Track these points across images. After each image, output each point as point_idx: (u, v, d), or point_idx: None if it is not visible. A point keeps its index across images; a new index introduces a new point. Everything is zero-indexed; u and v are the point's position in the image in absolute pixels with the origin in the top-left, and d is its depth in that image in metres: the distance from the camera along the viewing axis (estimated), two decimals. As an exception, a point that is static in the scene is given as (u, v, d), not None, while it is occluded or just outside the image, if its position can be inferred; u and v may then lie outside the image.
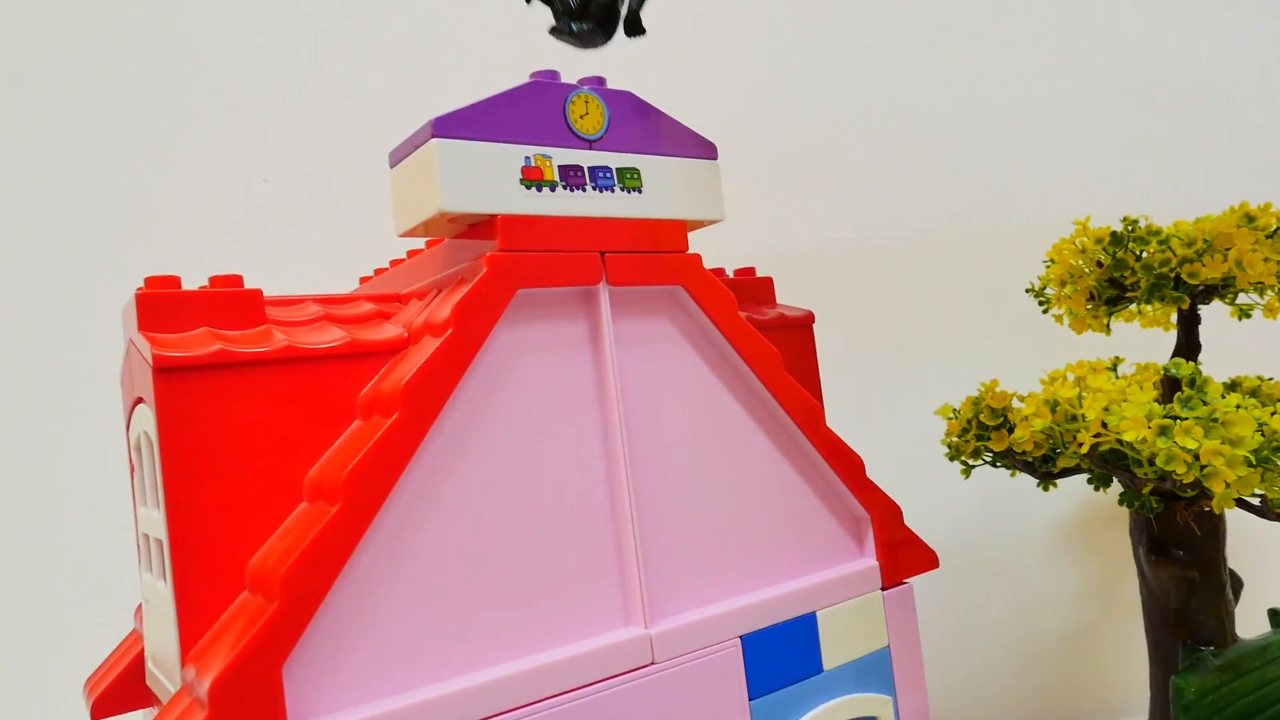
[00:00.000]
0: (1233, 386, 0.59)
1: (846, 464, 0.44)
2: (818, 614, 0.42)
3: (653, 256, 0.38)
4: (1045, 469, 0.53)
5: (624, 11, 0.38)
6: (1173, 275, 0.50)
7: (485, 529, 0.33)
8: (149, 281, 0.33)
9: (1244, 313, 0.59)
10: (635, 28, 0.38)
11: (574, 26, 0.37)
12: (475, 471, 0.33)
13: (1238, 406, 0.40)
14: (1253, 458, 0.40)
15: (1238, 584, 0.55)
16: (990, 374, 0.57)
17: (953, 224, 0.77)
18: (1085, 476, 0.54)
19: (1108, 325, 0.59)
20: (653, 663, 0.36)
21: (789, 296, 0.52)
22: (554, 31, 0.38)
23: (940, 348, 0.75)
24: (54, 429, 0.62)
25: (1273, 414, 0.42)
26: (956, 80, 0.79)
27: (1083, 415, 0.44)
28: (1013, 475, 0.60)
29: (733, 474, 0.40)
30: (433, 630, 0.32)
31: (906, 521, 0.46)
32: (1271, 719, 0.53)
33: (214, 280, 0.35)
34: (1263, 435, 0.40)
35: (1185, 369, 0.41)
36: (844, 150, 0.77)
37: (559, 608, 0.35)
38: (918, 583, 0.46)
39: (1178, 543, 0.52)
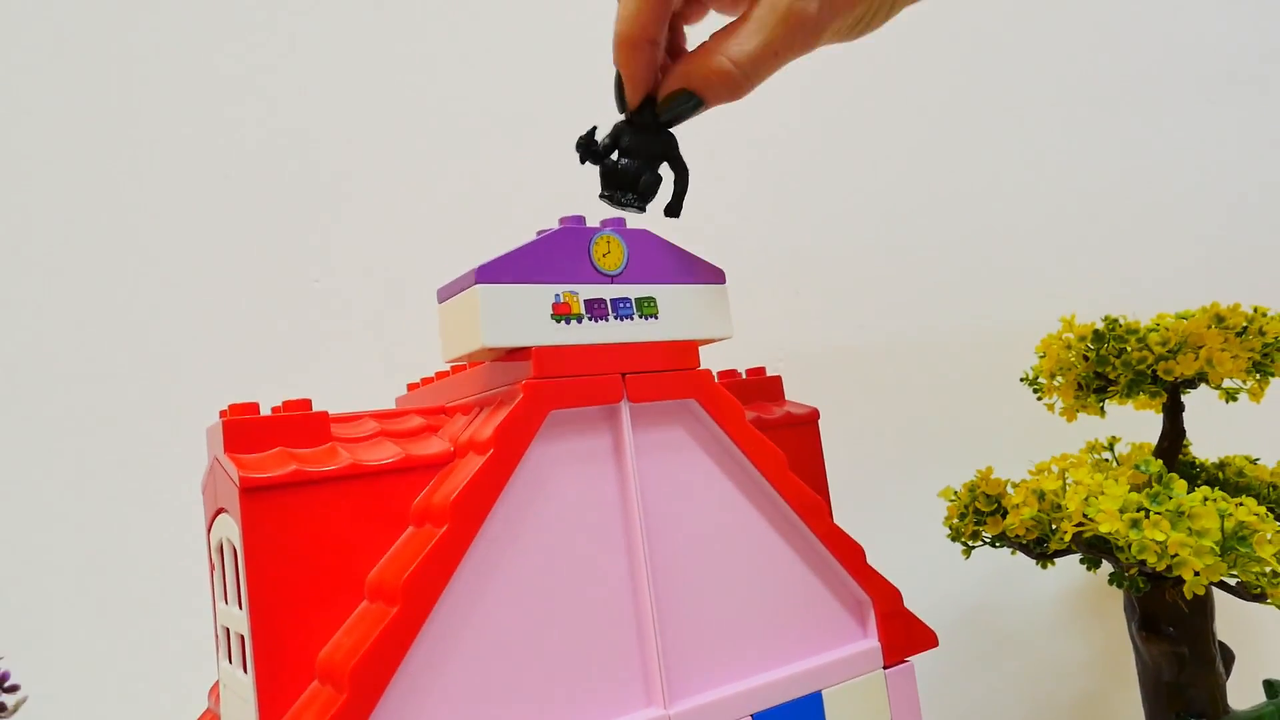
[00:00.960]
0: (1221, 467, 0.63)
1: (848, 552, 0.48)
2: (823, 692, 0.46)
3: (668, 375, 0.43)
4: (1040, 550, 0.57)
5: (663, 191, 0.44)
6: (1150, 372, 0.54)
7: (521, 623, 0.38)
8: (233, 408, 0.39)
9: (1231, 396, 0.63)
10: (674, 211, 0.45)
11: (622, 198, 0.43)
12: (513, 572, 0.38)
13: (1204, 500, 0.44)
14: (1217, 547, 0.44)
15: (1229, 656, 0.58)
16: (992, 461, 0.61)
17: (953, 322, 0.82)
18: (1078, 557, 0.58)
19: (1101, 408, 0.64)
20: (672, 740, 0.40)
21: (800, 394, 0.57)
22: (603, 196, 0.44)
23: (947, 438, 0.79)
24: (138, 526, 0.68)
25: (1239, 505, 0.46)
26: (953, 191, 0.85)
27: (1065, 505, 0.48)
28: (1013, 554, 0.64)
29: (743, 564, 0.45)
30: (476, 714, 0.37)
31: (921, 598, 0.50)
32: (1264, 787, 0.56)
33: (286, 404, 0.40)
34: (1224, 529, 0.44)
35: (1155, 466, 0.45)
36: (850, 258, 0.82)
37: (587, 692, 0.39)
38: (932, 655, 0.50)
39: (1167, 619, 0.55)
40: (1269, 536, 0.46)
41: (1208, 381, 0.55)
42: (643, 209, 0.44)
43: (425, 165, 0.77)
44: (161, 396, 0.68)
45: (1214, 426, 0.69)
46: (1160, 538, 0.43)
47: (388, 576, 0.36)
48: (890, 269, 0.83)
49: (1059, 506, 0.49)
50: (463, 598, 0.37)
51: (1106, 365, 0.56)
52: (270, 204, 0.74)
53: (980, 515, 0.56)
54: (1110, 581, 0.57)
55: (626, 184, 0.43)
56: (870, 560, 0.49)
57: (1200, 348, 0.53)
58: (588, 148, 0.44)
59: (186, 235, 0.72)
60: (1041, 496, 0.50)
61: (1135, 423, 0.68)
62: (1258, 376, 0.59)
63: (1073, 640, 0.78)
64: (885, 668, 0.48)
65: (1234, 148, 0.95)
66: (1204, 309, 0.55)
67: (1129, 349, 0.55)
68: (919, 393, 0.81)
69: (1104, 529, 0.45)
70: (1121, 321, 0.56)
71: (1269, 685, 0.60)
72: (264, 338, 0.71)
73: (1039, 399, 0.63)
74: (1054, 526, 0.51)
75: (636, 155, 0.43)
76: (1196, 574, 0.44)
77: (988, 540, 0.58)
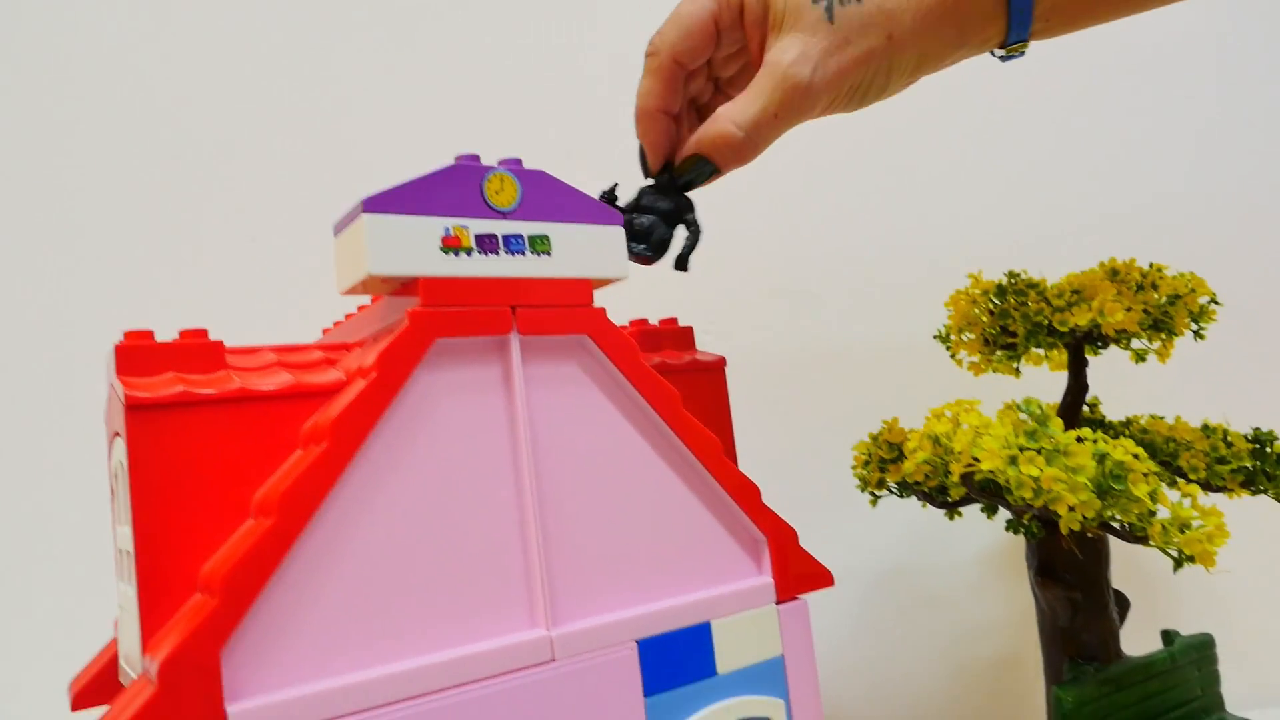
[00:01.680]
0: (1126, 424, 0.64)
1: (744, 490, 0.50)
2: (712, 623, 0.47)
3: (559, 310, 0.44)
4: (943, 499, 0.59)
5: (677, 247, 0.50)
6: (1046, 324, 0.55)
7: (403, 542, 0.39)
8: (127, 335, 0.40)
9: (1139, 356, 0.64)
10: (683, 265, 0.50)
11: (635, 248, 0.49)
12: (396, 493, 0.39)
13: (1078, 439, 0.46)
14: (1091, 484, 0.45)
15: (1124, 604, 0.60)
16: (905, 416, 0.62)
17: (880, 273, 0.83)
18: (980, 506, 0.60)
19: (1017, 369, 0.65)
20: (553, 660, 0.42)
21: (724, 346, 0.59)
22: None
23: (852, 392, 0.81)
24: (52, 455, 0.69)
25: (1116, 446, 0.47)
26: (869, 139, 0.86)
27: (954, 448, 0.49)
28: (924, 507, 0.65)
29: (634, 497, 0.46)
30: (355, 627, 0.38)
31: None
32: (1155, 729, 0.57)
33: (183, 333, 0.41)
34: (1103, 470, 0.46)
35: (1033, 405, 0.47)
36: (769, 208, 0.83)
37: (470, 611, 0.41)
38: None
39: (1063, 566, 0.57)
40: (1144, 475, 0.48)
41: (1102, 333, 0.56)
42: (652, 261, 0.50)
43: (358, 115, 0.78)
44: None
45: (1135, 393, 0.71)
46: (1035, 473, 0.45)
47: (268, 493, 0.38)
48: (807, 221, 0.84)
49: (951, 451, 0.51)
50: (343, 515, 0.38)
51: (1008, 319, 0.57)
52: (202, 148, 0.75)
53: (884, 463, 0.57)
54: (1007, 528, 0.59)
55: (640, 237, 0.49)
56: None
57: (1094, 299, 0.54)
58: (609, 202, 0.50)
59: (117, 181, 0.72)
60: (936, 441, 0.52)
61: (1056, 384, 0.70)
62: (1163, 337, 0.61)
63: (994, 599, 0.80)
64: (778, 603, 0.50)
65: (1168, 124, 0.97)
66: (1101, 263, 0.56)
67: (1029, 302, 0.56)
68: (851, 364, 0.82)
69: (985, 466, 0.46)
70: (1022, 275, 0.58)
71: (1166, 635, 0.61)
72: (178, 282, 0.72)
73: (950, 355, 0.64)
74: (948, 471, 0.52)
75: (653, 213, 0.49)
76: (1072, 509, 0.45)
77: (894, 490, 0.60)
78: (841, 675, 0.76)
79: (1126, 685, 0.56)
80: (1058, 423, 0.46)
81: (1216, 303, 0.59)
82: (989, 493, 0.52)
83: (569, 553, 0.44)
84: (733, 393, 0.55)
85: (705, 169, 0.48)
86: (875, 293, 0.84)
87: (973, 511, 0.76)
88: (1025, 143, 0.92)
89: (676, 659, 0.46)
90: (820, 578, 0.52)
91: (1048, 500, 0.45)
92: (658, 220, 0.49)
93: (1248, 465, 0.57)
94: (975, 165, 0.90)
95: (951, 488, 0.57)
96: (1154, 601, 0.80)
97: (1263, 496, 0.59)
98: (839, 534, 0.77)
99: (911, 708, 0.77)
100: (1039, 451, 0.45)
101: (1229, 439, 0.58)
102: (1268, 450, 0.57)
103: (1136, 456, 0.48)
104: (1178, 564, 0.55)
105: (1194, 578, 0.83)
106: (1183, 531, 0.46)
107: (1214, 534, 0.48)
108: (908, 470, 0.54)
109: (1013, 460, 0.46)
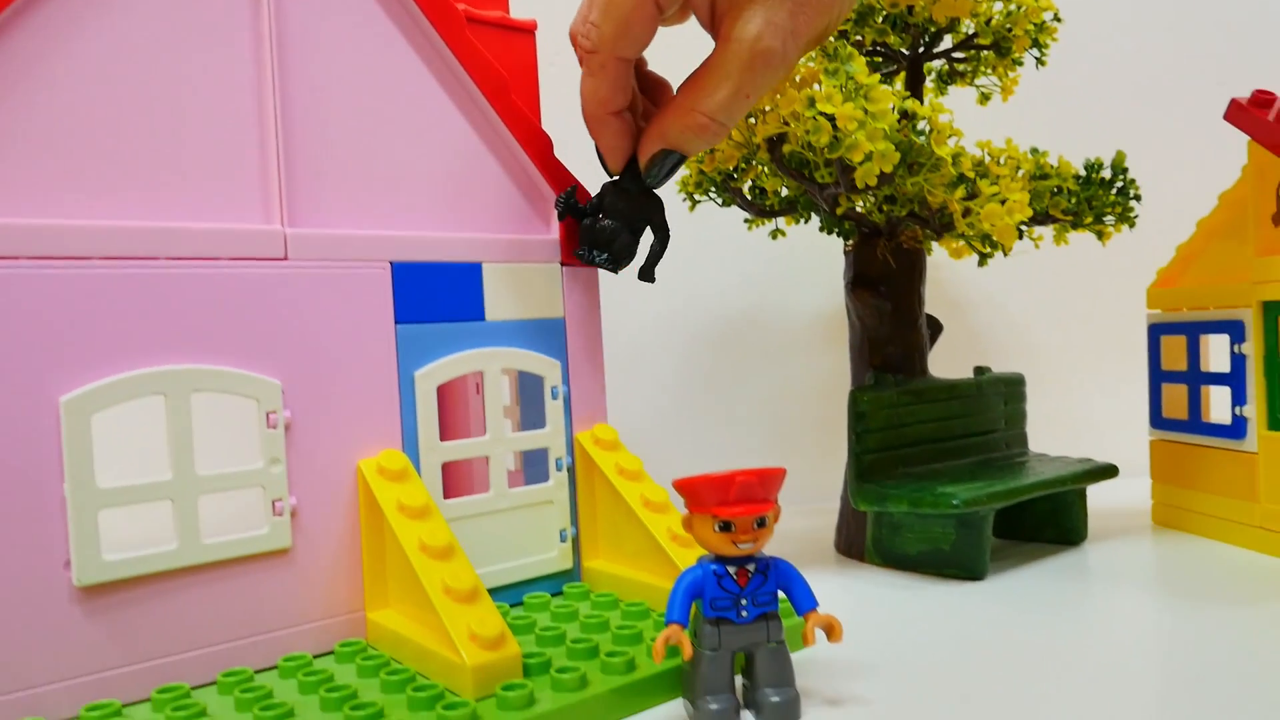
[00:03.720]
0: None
1: (535, 142, 0.46)
2: (484, 266, 0.44)
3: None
4: (761, 204, 0.56)
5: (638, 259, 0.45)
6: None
7: (115, 98, 0.35)
8: None
9: (985, 97, 0.62)
10: (648, 275, 0.45)
11: (596, 257, 0.44)
12: (104, 43, 0.34)
13: (881, 82, 0.43)
14: (889, 132, 0.43)
15: (936, 327, 0.59)
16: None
17: None
18: (797, 217, 0.57)
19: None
20: (285, 258, 0.38)
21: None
22: (577, 253, 0.45)
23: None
24: None
25: (922, 105, 0.45)
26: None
27: (763, 110, 0.46)
28: (750, 228, 0.63)
29: (403, 117, 0.42)
30: (55, 168, 0.33)
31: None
32: (952, 448, 0.57)
33: None
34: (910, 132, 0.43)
35: (844, 50, 0.44)
36: None
37: (195, 190, 0.37)
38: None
39: (876, 275, 0.55)
40: (948, 139, 0.46)
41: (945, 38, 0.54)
42: (615, 270, 0.44)
43: None
44: None
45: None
46: (830, 110, 0.42)
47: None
48: None
49: (762, 113, 0.48)
50: (39, 37, 0.33)
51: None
52: None
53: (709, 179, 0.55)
54: (821, 229, 0.57)
55: (602, 243, 0.44)
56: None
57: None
58: (567, 204, 0.45)
59: None
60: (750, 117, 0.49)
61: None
62: (1007, 63, 0.59)
63: (827, 358, 0.78)
64: (564, 264, 0.47)
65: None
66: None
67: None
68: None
69: (784, 110, 0.43)
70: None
71: (979, 370, 0.61)
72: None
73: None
74: (753, 151, 0.49)
75: (617, 216, 0.43)
76: (869, 158, 0.43)
77: (714, 198, 0.57)
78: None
79: (929, 400, 0.56)
80: (860, 61, 0.43)
81: (1059, 19, 0.56)
82: (800, 175, 0.49)
83: (316, 154, 0.40)
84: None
85: (671, 161, 0.42)
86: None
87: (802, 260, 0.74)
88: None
89: (438, 293, 0.43)
90: (616, 251, 0.49)
91: (846, 150, 0.43)
92: (619, 226, 0.43)
93: (1076, 193, 0.55)
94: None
95: (763, 178, 0.55)
96: (972, 348, 0.81)
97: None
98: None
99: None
100: (840, 89, 0.42)
101: (1060, 168, 0.56)
102: (1091, 178, 0.56)
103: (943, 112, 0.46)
104: (982, 255, 0.53)
105: (1018, 330, 0.83)
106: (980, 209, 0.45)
107: (1014, 208, 0.46)
108: (721, 161, 0.51)
109: (811, 102, 0.43)
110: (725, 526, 0.32)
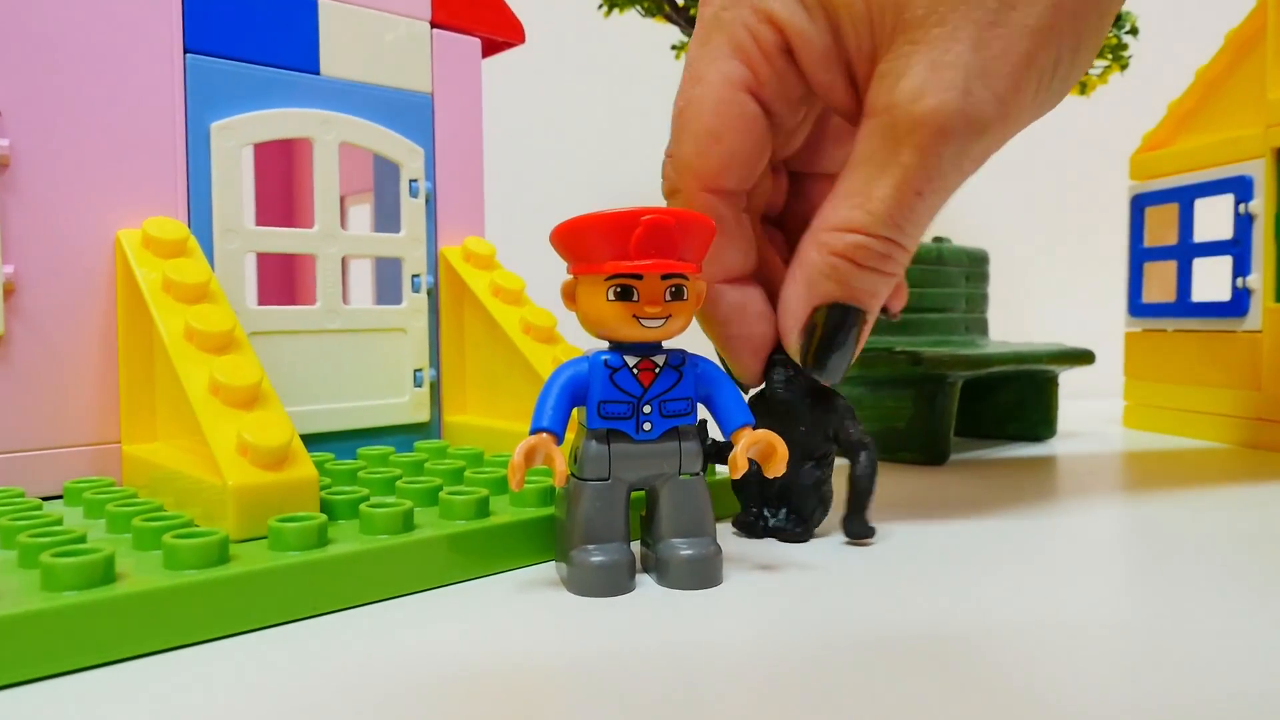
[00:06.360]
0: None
1: None
2: (320, 4, 0.32)
3: None
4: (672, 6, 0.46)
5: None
6: None
7: None
8: None
9: None
10: (860, 528, 0.28)
11: (768, 519, 0.28)
12: None
13: None
14: None
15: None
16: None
17: None
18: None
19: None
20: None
21: None
22: (735, 523, 0.29)
23: None
24: None
25: None
26: None
27: None
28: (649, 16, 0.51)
29: None
30: None
31: None
32: (907, 322, 0.48)
33: None
34: None
35: None
36: None
37: None
38: None
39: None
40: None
41: None
42: (806, 535, 0.28)
43: None
44: None
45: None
46: None
47: None
48: None
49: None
50: None
51: None
52: None
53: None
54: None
55: (774, 496, 0.29)
56: None
57: None
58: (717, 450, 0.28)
59: None
60: None
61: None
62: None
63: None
64: (434, 25, 0.36)
65: None
66: None
67: None
68: None
69: None
70: None
71: (938, 238, 0.52)
72: None
73: None
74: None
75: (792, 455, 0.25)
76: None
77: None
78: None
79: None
80: None
81: None
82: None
83: None
84: None
85: (849, 326, 0.26)
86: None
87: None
88: None
89: (254, 23, 0.31)
90: (507, 26, 0.38)
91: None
92: (795, 464, 0.27)
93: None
94: None
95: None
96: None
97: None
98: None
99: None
100: None
101: None
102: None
103: None
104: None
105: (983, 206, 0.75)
106: None
107: None
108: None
109: None
110: (624, 293, 0.22)
